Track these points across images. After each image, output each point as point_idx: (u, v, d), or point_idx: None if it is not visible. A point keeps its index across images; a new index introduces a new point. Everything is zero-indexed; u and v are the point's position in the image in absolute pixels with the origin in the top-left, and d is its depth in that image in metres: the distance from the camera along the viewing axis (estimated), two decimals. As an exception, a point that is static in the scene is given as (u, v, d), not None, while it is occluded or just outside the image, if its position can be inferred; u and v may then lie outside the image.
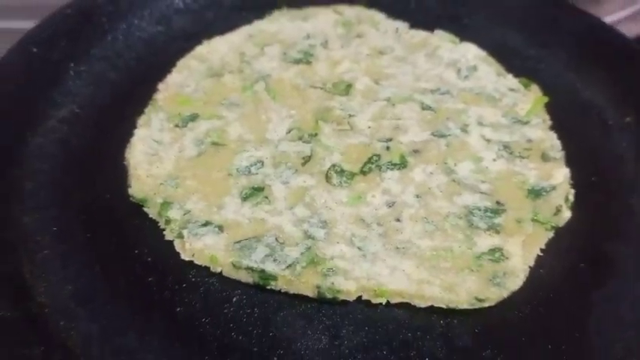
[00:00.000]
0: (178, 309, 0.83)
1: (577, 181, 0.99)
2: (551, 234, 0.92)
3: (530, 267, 0.88)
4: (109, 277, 0.87)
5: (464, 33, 1.25)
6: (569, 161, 1.01)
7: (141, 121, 1.05)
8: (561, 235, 0.93)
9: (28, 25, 1.17)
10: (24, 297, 0.83)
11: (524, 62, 1.23)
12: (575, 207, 0.96)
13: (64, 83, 1.12)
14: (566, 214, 0.94)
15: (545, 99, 1.11)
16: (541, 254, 0.90)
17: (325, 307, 0.85)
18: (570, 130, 1.07)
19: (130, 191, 0.94)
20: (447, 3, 1.35)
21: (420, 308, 0.84)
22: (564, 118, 1.09)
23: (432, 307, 0.84)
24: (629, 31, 1.33)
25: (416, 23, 1.28)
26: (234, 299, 0.85)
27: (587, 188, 0.99)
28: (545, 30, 1.27)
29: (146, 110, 1.07)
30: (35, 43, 1.14)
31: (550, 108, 1.11)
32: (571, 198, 0.97)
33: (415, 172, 0.98)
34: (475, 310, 0.84)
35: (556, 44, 1.25)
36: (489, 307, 0.84)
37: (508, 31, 1.29)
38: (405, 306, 0.85)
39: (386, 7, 1.31)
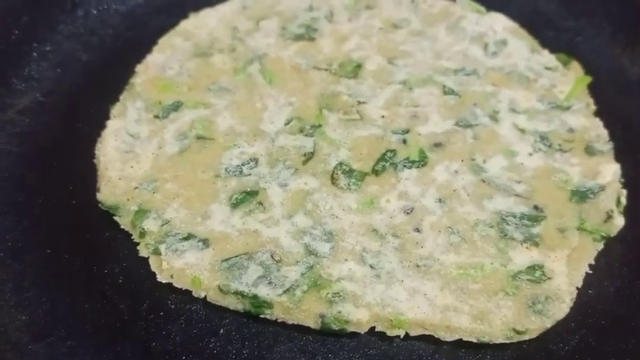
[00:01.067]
0: (154, 343, 0.69)
1: (629, 179, 0.83)
2: (601, 245, 0.77)
3: (577, 288, 0.73)
4: (73, 305, 0.72)
5: (490, 1, 1.06)
6: (619, 154, 0.85)
7: (115, 110, 0.89)
8: (613, 246, 0.77)
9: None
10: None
11: (559, 35, 1.05)
12: (629, 211, 0.79)
13: (25, 67, 0.95)
14: (619, 221, 0.78)
15: (588, 79, 0.94)
16: (590, 271, 0.75)
17: (330, 340, 0.70)
18: (618, 116, 0.90)
19: (99, 196, 0.79)
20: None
21: (446, 342, 0.69)
22: (610, 102, 0.92)
23: (459, 340, 0.69)
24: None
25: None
26: (221, 331, 0.70)
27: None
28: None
29: (121, 97, 0.90)
30: None
31: (593, 90, 0.93)
32: (623, 201, 0.80)
33: (437, 171, 0.82)
34: (512, 343, 0.69)
35: (597, 13, 1.05)
36: (529, 340, 0.69)
37: (540, -1, 1.10)
38: (428, 338, 0.70)
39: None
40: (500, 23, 1.03)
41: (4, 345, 0.68)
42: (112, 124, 0.87)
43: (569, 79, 0.94)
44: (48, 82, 0.95)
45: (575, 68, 0.96)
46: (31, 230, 0.79)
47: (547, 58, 0.98)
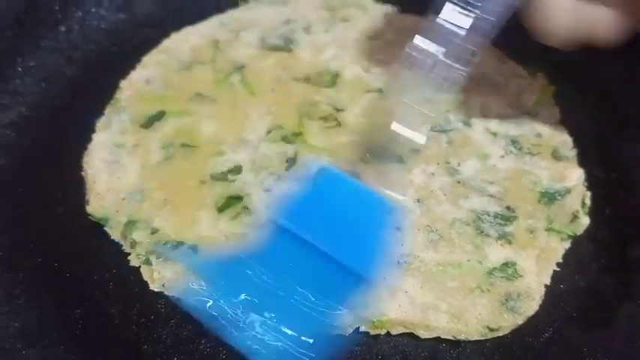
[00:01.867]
0: (145, 346, 0.70)
1: (593, 183, 0.86)
2: (568, 244, 0.80)
3: (546, 285, 0.76)
4: (64, 311, 0.72)
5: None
6: (583, 160, 0.88)
7: (100, 124, 0.90)
8: (583, 244, 0.80)
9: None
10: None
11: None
12: (593, 212, 0.83)
13: (9, 81, 0.95)
14: (584, 221, 0.82)
15: (553, 88, 0.97)
16: (557, 269, 0.77)
17: None
18: (581, 124, 0.93)
19: (88, 209, 0.80)
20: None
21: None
22: (573, 110, 0.95)
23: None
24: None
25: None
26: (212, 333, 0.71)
27: (605, 190, 0.86)
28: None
29: (106, 111, 0.91)
30: None
31: (558, 99, 0.96)
32: (588, 202, 0.84)
33: (414, 174, 0.85)
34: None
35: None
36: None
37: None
38: (410, 334, 0.72)
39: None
40: (468, 35, 1.07)
41: None
42: (97, 137, 0.88)
43: (535, 88, 0.97)
44: (33, 96, 0.95)
45: (541, 79, 1.00)
46: (21, 240, 0.79)
47: (514, 67, 1.01)
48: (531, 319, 0.72)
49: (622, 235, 0.81)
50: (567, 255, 0.79)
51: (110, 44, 1.04)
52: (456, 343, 0.71)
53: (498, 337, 0.71)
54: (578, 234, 0.80)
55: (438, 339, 0.71)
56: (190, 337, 0.71)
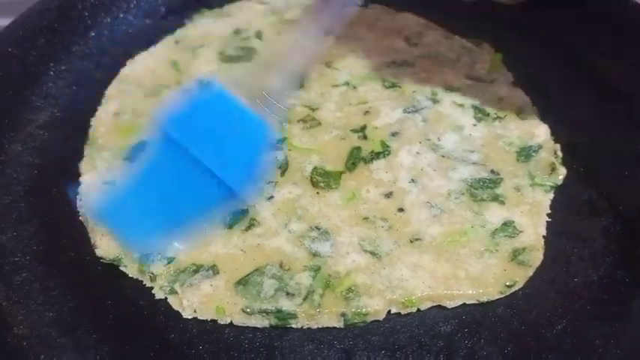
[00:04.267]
0: (172, 335, 0.71)
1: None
2: (552, 195, 0.84)
3: (544, 237, 0.79)
4: (96, 302, 0.73)
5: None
6: (543, 116, 0.93)
7: (83, 166, 0.86)
8: (597, 239, 0.80)
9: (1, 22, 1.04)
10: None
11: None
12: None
13: (43, 85, 0.98)
14: (562, 170, 0.86)
15: (500, 55, 1.02)
16: (549, 219, 0.81)
17: (336, 328, 0.72)
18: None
19: (98, 252, 0.76)
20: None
21: (444, 326, 0.72)
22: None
23: (459, 324, 0.72)
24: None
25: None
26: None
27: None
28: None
29: (85, 152, 0.88)
30: (11, 43, 1.00)
31: (507, 64, 1.01)
32: (559, 154, 0.88)
33: (401, 156, 0.86)
34: (504, 329, 0.72)
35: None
36: (520, 323, 0.72)
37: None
38: (427, 324, 0.72)
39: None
40: (411, 19, 1.09)
41: (35, 339, 0.70)
42: (84, 180, 0.84)
43: (485, 57, 1.02)
44: (64, 98, 0.98)
45: (487, 48, 1.04)
46: (55, 236, 0.80)
47: (461, 41, 1.05)
48: (544, 312, 0.73)
49: (635, 231, 0.81)
50: (553, 206, 0.82)
51: (137, 49, 1.05)
52: (470, 335, 0.71)
53: (512, 330, 0.72)
54: (559, 184, 0.85)
55: (454, 329, 0.72)
56: (214, 326, 0.71)
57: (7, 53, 0.98)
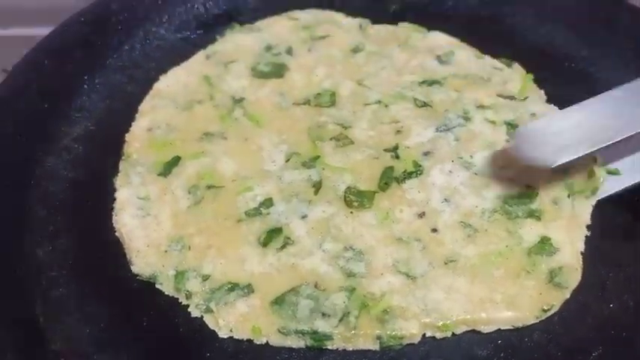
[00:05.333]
0: (208, 354, 0.70)
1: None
2: (593, 202, 0.82)
3: (581, 253, 0.78)
4: (132, 319, 0.73)
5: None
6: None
7: (119, 181, 0.86)
8: (633, 265, 0.78)
9: (37, 32, 1.06)
10: (36, 344, 0.70)
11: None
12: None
13: (78, 98, 0.98)
14: (600, 173, 0.84)
15: (531, 75, 1.00)
16: (588, 233, 0.80)
17: None
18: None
19: (134, 269, 0.76)
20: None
21: (461, 346, 0.72)
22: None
23: (474, 345, 0.72)
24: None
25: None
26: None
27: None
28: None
29: (120, 167, 0.88)
30: (47, 55, 1.00)
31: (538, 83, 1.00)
32: (599, 158, 0.85)
33: (433, 176, 0.85)
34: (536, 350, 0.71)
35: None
36: (555, 347, 0.71)
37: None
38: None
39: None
40: (442, 39, 1.08)
41: (72, 356, 0.69)
42: (120, 195, 0.84)
43: (516, 77, 1.00)
44: (98, 112, 0.97)
45: (517, 68, 1.02)
46: (91, 251, 0.80)
47: (492, 61, 1.04)
48: (581, 338, 0.72)
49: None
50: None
51: (169, 63, 1.04)
52: (506, 358, 0.70)
53: (549, 354, 0.71)
54: (599, 188, 0.82)
55: (491, 352, 0.70)
56: (250, 346, 0.71)
57: (43, 65, 0.98)
